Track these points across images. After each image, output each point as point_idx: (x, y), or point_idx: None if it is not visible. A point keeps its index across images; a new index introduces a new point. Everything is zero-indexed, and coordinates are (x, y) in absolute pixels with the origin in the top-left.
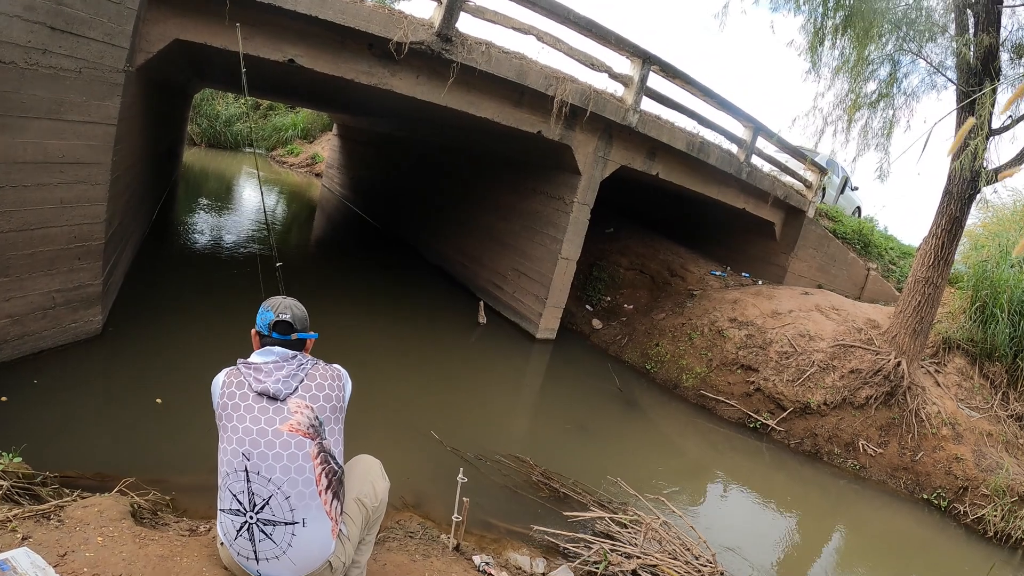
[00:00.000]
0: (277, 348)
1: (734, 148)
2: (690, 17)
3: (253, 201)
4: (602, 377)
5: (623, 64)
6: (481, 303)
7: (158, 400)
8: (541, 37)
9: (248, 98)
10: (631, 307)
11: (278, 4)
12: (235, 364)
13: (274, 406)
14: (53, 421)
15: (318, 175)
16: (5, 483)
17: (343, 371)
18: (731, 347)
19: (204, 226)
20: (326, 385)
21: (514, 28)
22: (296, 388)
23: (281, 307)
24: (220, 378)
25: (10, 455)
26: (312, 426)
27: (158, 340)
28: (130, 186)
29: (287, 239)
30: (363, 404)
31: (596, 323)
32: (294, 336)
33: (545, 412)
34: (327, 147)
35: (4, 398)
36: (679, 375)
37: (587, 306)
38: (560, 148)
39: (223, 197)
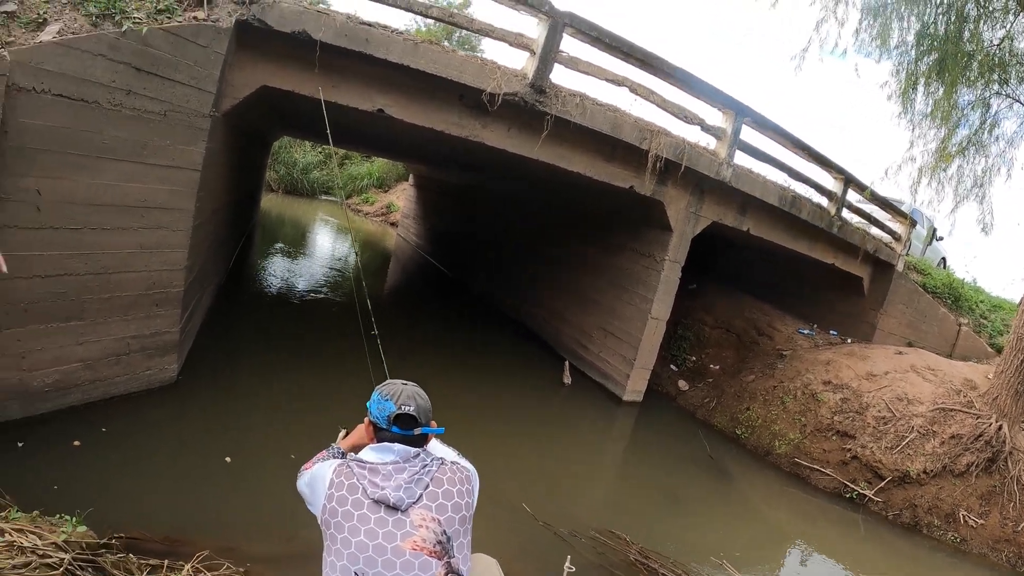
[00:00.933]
0: (397, 445)
1: (824, 201)
2: (699, 25)
3: (330, 248)
4: (691, 443)
5: (715, 116)
6: (567, 363)
7: (227, 459)
8: (635, 88)
9: (327, 147)
10: (717, 367)
11: (369, 52)
12: (343, 458)
13: (394, 518)
14: (120, 473)
15: (393, 224)
16: (67, 556)
17: (472, 470)
18: (826, 412)
19: (281, 273)
20: (455, 492)
21: (608, 80)
22: (420, 496)
23: (403, 397)
24: (326, 473)
25: (73, 521)
26: (439, 543)
27: (231, 392)
28: (211, 233)
29: (359, 288)
30: None
31: (682, 384)
32: (417, 431)
33: (634, 480)
34: (402, 196)
35: (77, 443)
36: (771, 441)
37: (672, 366)
38: (651, 204)
39: (300, 244)
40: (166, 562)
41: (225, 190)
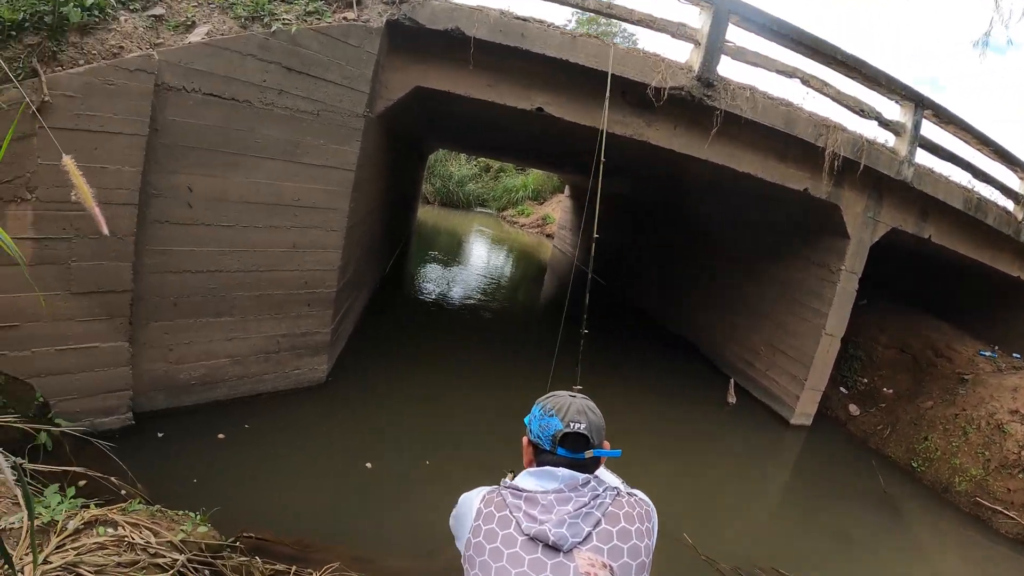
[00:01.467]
0: (562, 470)
1: (1010, 204)
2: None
3: (486, 259)
4: (863, 474)
5: (893, 109)
6: (732, 381)
7: (368, 464)
8: (807, 80)
9: (479, 160)
10: (891, 391)
11: (525, 47)
12: (496, 484)
13: (554, 560)
14: (258, 471)
15: (549, 236)
16: (181, 557)
17: (651, 504)
18: (1012, 445)
19: (436, 281)
20: (632, 531)
21: (778, 71)
22: (589, 535)
23: (571, 412)
24: (473, 501)
25: (196, 518)
26: None
27: (380, 397)
28: (365, 236)
29: (515, 297)
30: None
31: (853, 409)
32: (588, 454)
33: (801, 513)
34: (558, 208)
35: (221, 436)
36: (950, 477)
37: (841, 388)
38: (826, 208)
39: (456, 253)
40: (293, 568)
41: (380, 194)
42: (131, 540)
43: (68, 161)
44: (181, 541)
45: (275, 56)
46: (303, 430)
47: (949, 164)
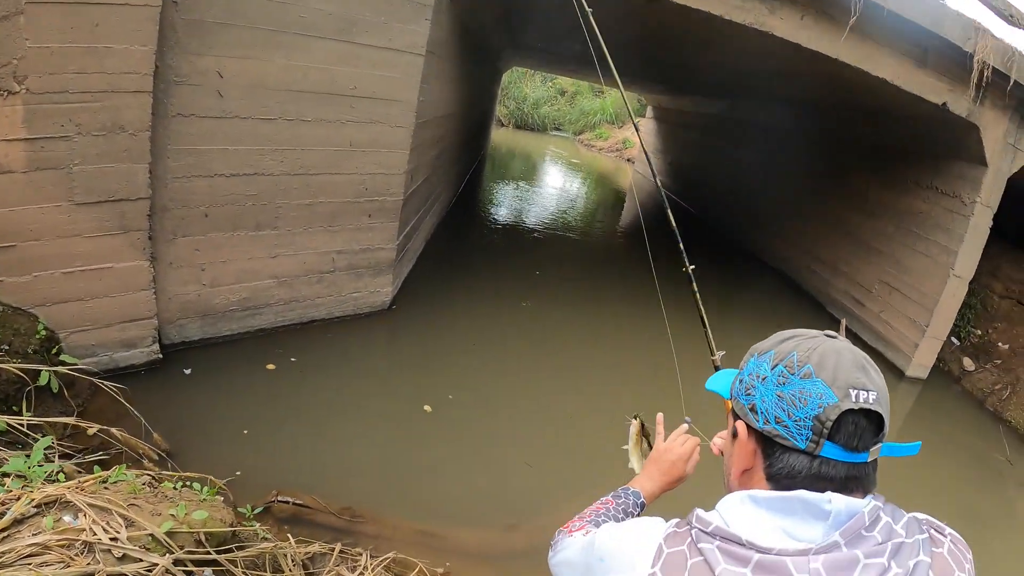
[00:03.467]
0: (834, 497)
1: None
2: None
3: (562, 183)
4: (983, 437)
5: None
6: (843, 322)
7: (427, 407)
8: None
9: (555, 82)
10: (1006, 347)
11: None
12: (684, 521)
13: None
14: (303, 416)
15: (629, 160)
16: (162, 561)
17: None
18: None
19: (512, 204)
20: None
21: None
22: None
23: (851, 369)
24: (635, 559)
25: (203, 491)
26: None
27: (450, 328)
28: (438, 142)
29: (592, 224)
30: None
31: (967, 363)
32: (874, 454)
33: (920, 484)
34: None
35: (271, 366)
36: None
37: (953, 339)
38: (962, 129)
39: (531, 176)
40: (338, 548)
41: (455, 96)
42: (87, 538)
43: None
44: (168, 532)
45: None
46: (360, 365)
47: None
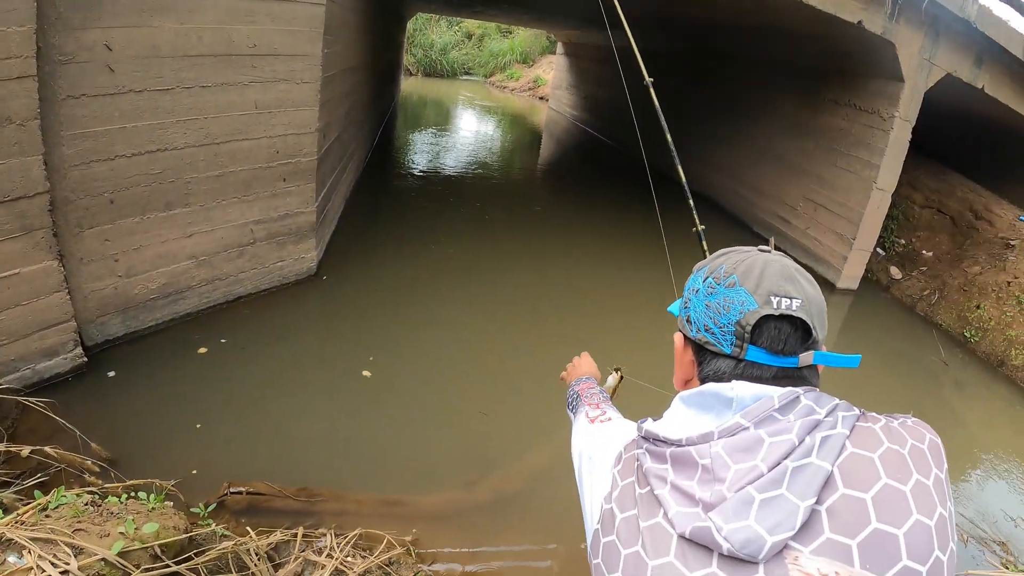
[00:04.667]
0: (750, 387)
1: None
2: None
3: (477, 127)
4: (916, 342)
5: None
6: (771, 240)
7: (366, 373)
8: None
9: (461, 25)
10: (930, 254)
11: None
12: (636, 427)
13: None
14: (241, 398)
15: (542, 98)
16: None
17: (934, 433)
18: None
19: (429, 152)
20: (909, 493)
21: None
22: (812, 519)
23: (772, 277)
24: (608, 458)
25: (151, 500)
26: None
27: (379, 288)
28: (347, 95)
29: (511, 164)
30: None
31: (894, 272)
32: (806, 360)
33: (865, 389)
34: (550, 69)
35: (203, 349)
36: (1006, 349)
37: (878, 249)
38: (878, 46)
39: (445, 123)
40: (301, 532)
41: (360, 48)
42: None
43: None
44: (121, 553)
45: None
46: (293, 338)
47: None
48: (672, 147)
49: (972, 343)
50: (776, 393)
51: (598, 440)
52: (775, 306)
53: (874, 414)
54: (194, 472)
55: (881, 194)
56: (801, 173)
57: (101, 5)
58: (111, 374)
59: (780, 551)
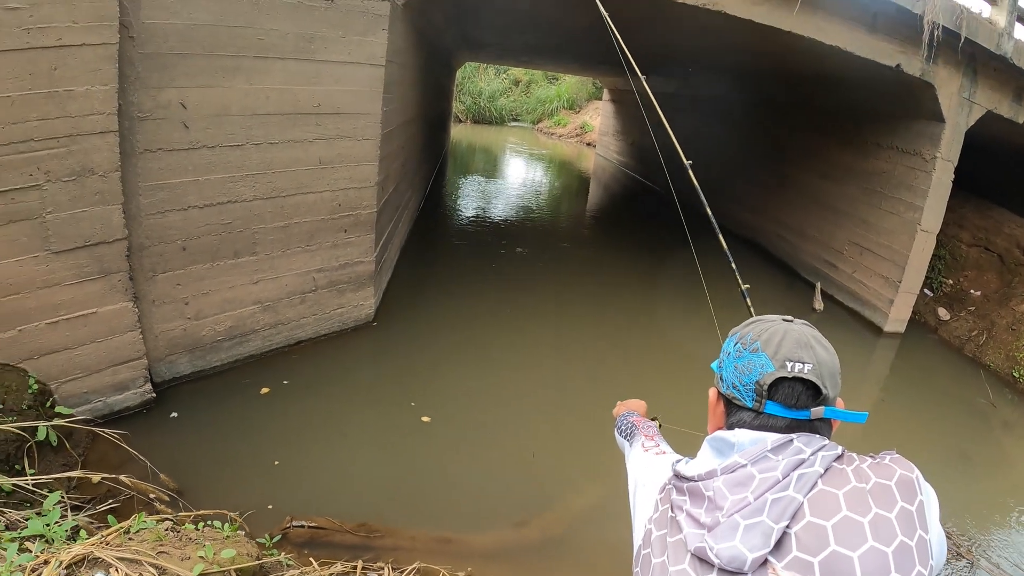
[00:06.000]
0: (754, 434)
1: None
2: None
3: (523, 175)
4: (964, 385)
5: None
6: (818, 286)
7: (425, 419)
8: None
9: (508, 73)
10: (978, 293)
11: None
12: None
13: None
14: (303, 438)
15: (589, 144)
16: None
17: (914, 469)
18: None
19: (480, 200)
20: (867, 524)
21: None
22: (783, 539)
23: (788, 344)
24: (653, 488)
25: (225, 528)
26: None
27: (436, 335)
28: (403, 149)
29: (559, 210)
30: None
31: (942, 313)
32: (817, 414)
33: (913, 432)
34: (596, 115)
35: (266, 389)
36: None
37: (926, 290)
38: (917, 88)
39: (494, 171)
40: (360, 565)
41: (415, 101)
42: None
43: None
44: (200, 575)
45: None
46: (352, 381)
47: None
48: (712, 219)
49: (1021, 383)
50: (771, 437)
51: (651, 471)
52: (789, 369)
53: (852, 454)
54: (270, 507)
55: (925, 236)
56: (846, 217)
57: (176, 67)
58: (174, 415)
59: (763, 564)
